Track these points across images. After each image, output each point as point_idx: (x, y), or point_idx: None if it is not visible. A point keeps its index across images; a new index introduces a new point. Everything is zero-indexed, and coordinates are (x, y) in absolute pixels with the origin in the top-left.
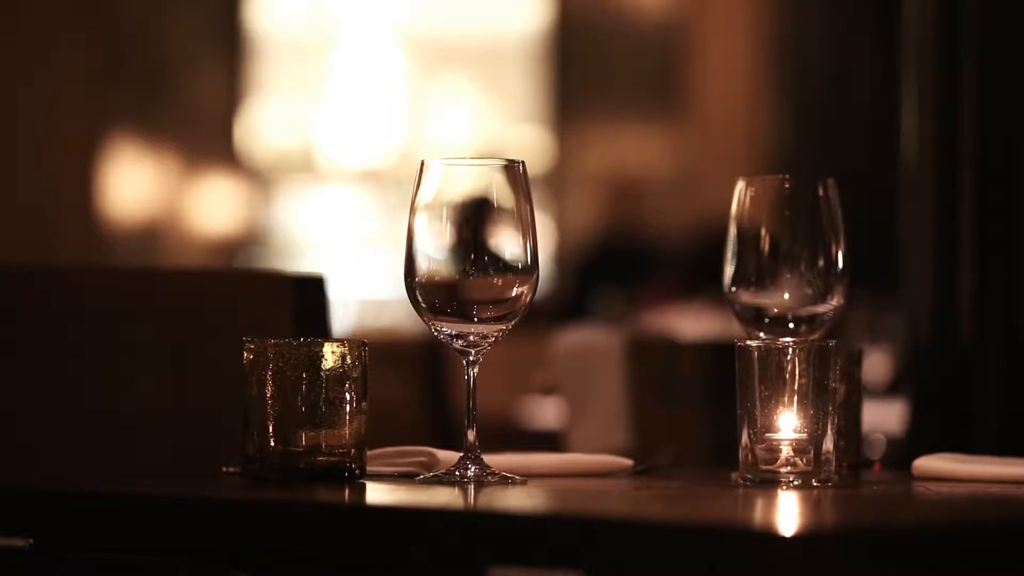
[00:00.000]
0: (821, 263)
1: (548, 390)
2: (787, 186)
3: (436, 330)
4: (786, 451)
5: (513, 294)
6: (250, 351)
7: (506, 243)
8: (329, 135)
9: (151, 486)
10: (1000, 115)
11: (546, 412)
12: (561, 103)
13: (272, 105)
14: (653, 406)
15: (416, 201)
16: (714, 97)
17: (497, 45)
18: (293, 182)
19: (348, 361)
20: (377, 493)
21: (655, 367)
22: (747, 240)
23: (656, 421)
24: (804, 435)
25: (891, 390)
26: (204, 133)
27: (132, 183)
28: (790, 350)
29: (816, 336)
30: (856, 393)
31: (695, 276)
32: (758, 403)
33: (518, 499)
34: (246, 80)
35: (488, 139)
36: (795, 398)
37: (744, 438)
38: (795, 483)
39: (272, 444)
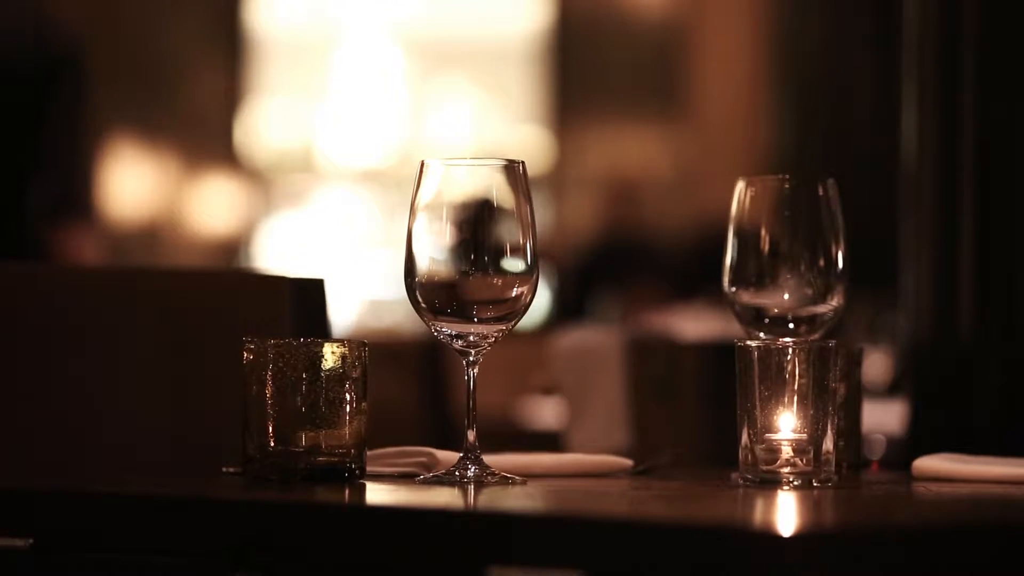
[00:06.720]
0: (821, 263)
1: (548, 390)
2: (787, 186)
3: (436, 330)
4: (786, 451)
5: (513, 294)
6: (250, 351)
7: (506, 243)
8: (329, 135)
9: (151, 486)
10: (1000, 115)
11: (546, 412)
12: (561, 103)
13: (272, 105)
14: (653, 406)
15: (416, 201)
16: (714, 97)
17: (497, 45)
18: (293, 182)
19: (348, 361)
20: (377, 493)
21: (655, 367)
22: (747, 240)
23: (656, 421)
24: (804, 435)
25: (891, 390)
26: (204, 133)
27: (132, 183)
28: (790, 350)
29: (816, 336)
30: (856, 393)
31: (694, 276)
32: (758, 403)
33: (518, 499)
34: (246, 80)
35: (488, 139)
36: (795, 398)
37: (744, 438)
38: (795, 483)
39: (272, 444)
